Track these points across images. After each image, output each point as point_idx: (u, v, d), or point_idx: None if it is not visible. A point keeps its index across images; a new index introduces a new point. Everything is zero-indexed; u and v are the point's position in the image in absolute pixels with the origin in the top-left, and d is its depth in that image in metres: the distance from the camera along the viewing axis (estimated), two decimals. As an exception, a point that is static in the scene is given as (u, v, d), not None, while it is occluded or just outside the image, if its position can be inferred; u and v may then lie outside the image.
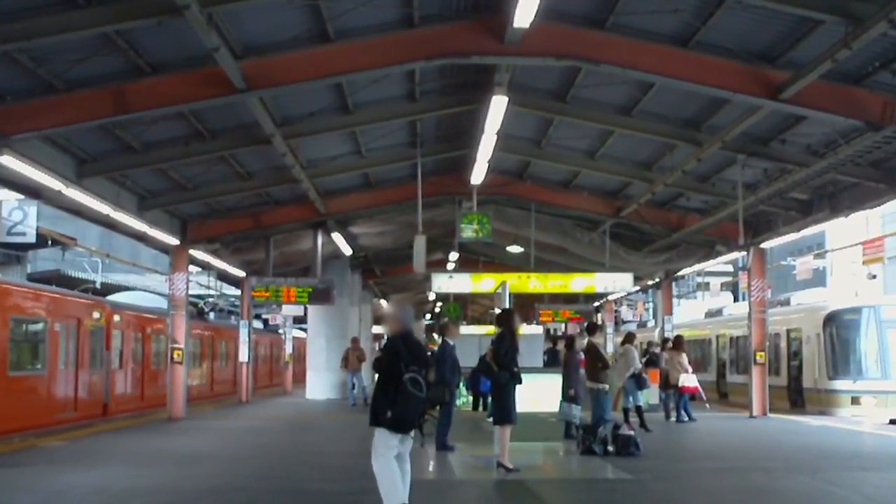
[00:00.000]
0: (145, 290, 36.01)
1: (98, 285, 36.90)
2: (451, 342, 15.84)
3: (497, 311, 14.89)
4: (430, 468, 14.13)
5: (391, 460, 9.11)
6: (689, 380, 21.84)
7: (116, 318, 25.65)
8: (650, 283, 33.96)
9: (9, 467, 13.39)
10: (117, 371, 25.14)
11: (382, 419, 9.01)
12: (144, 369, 28.11)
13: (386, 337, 9.41)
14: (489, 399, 15.67)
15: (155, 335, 28.85)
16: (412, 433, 9.19)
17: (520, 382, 12.80)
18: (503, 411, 12.70)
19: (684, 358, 22.19)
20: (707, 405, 24.91)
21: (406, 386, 8.89)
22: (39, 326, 21.14)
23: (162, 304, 31.02)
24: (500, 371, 12.66)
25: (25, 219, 20.80)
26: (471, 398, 24.01)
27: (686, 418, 21.60)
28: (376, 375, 9.32)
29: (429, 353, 9.79)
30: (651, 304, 47.33)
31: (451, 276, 24.61)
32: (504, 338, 12.85)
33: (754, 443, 18.00)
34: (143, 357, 28.05)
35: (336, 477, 12.07)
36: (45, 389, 21.28)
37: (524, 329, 15.76)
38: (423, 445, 9.53)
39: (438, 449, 15.20)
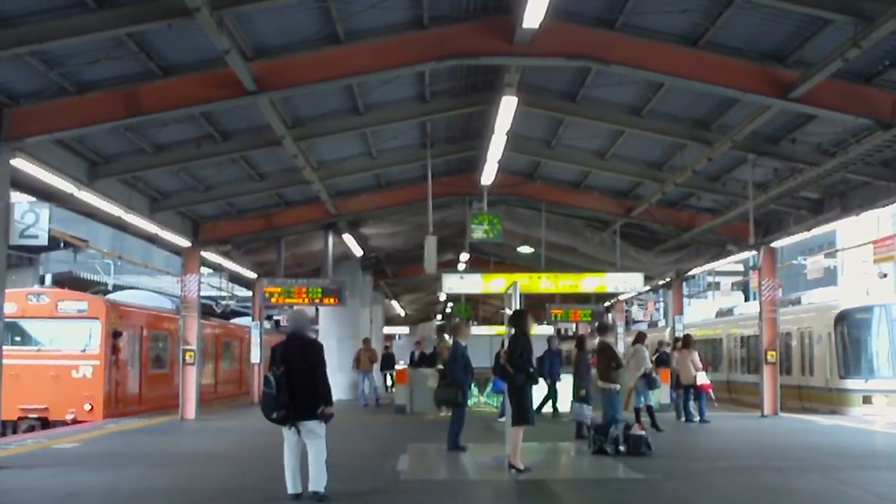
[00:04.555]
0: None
1: (111, 287, 37.17)
2: (463, 342, 15.84)
3: (509, 311, 14.87)
4: (442, 468, 14.16)
5: (286, 453, 10.47)
6: (703, 377, 21.81)
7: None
8: (661, 282, 33.93)
9: (22, 469, 13.45)
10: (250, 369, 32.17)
11: None
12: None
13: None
14: (503, 398, 15.64)
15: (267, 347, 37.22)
16: (307, 424, 10.33)
17: (536, 383, 12.84)
18: (520, 412, 12.71)
19: (696, 356, 22.16)
20: (715, 404, 24.87)
21: (263, 384, 10.40)
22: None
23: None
24: (516, 372, 12.68)
25: (38, 221, 20.85)
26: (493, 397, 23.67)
27: (697, 418, 21.55)
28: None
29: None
30: (662, 304, 47.24)
31: (461, 277, 24.58)
32: (519, 339, 12.87)
33: (766, 442, 17.97)
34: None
35: (348, 477, 12.11)
36: (225, 378, 33.29)
37: (535, 329, 15.74)
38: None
39: (450, 449, 15.22)
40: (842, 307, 24.56)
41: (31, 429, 21.61)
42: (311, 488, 10.44)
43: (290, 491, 10.43)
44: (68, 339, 22.68)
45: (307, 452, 10.46)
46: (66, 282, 37.34)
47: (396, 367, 31.56)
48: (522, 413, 12.69)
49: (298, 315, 11.49)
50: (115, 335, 23.49)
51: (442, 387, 16.10)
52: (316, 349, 10.69)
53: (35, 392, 21.77)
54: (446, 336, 28.20)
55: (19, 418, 21.78)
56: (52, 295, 23.58)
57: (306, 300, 24.85)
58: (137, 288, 38.57)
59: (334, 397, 10.73)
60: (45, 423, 21.95)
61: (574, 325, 38.44)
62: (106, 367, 22.83)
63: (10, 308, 20.52)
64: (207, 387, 29.06)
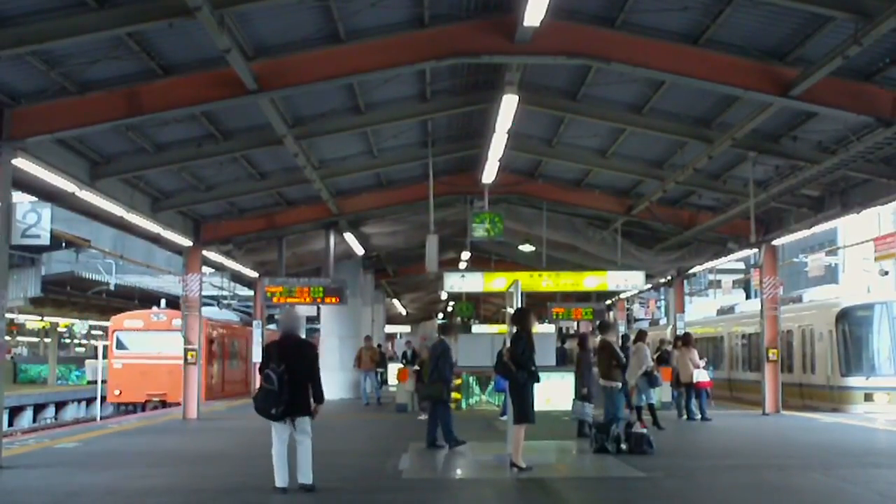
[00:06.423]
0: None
1: (112, 287, 37.23)
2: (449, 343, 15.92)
3: (510, 310, 14.89)
4: (444, 467, 14.17)
5: (276, 447, 10.71)
6: (702, 375, 21.80)
7: None
8: (662, 280, 33.93)
9: (24, 468, 13.46)
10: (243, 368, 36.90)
11: None
12: None
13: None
14: (505, 397, 15.67)
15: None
16: (303, 420, 10.68)
17: (538, 381, 12.84)
18: (521, 410, 12.72)
19: (695, 354, 22.15)
20: (712, 403, 24.86)
21: (262, 380, 10.59)
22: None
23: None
24: (518, 370, 12.69)
25: (39, 221, 20.89)
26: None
27: (699, 416, 21.53)
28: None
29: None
30: (663, 302, 47.26)
31: (463, 276, 24.61)
32: (521, 337, 12.88)
33: (767, 440, 17.99)
34: None
35: (350, 476, 12.14)
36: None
37: (537, 328, 15.77)
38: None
39: (451, 447, 15.24)
40: (843, 305, 24.55)
41: (154, 408, 30.44)
42: (301, 480, 10.73)
43: (278, 484, 10.70)
44: (179, 345, 28.26)
45: (295, 448, 10.72)
46: (68, 281, 37.47)
47: (389, 365, 31.59)
48: (524, 411, 12.69)
49: (291, 315, 11.88)
50: (210, 342, 31.50)
51: (426, 384, 16.19)
52: (312, 349, 11.11)
53: (156, 382, 31.04)
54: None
55: (146, 401, 31.29)
56: (168, 314, 32.44)
57: (308, 299, 24.84)
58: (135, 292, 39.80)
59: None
60: (164, 404, 30.36)
61: (575, 324, 38.42)
62: (205, 365, 29.32)
63: (137, 323, 33.21)
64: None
